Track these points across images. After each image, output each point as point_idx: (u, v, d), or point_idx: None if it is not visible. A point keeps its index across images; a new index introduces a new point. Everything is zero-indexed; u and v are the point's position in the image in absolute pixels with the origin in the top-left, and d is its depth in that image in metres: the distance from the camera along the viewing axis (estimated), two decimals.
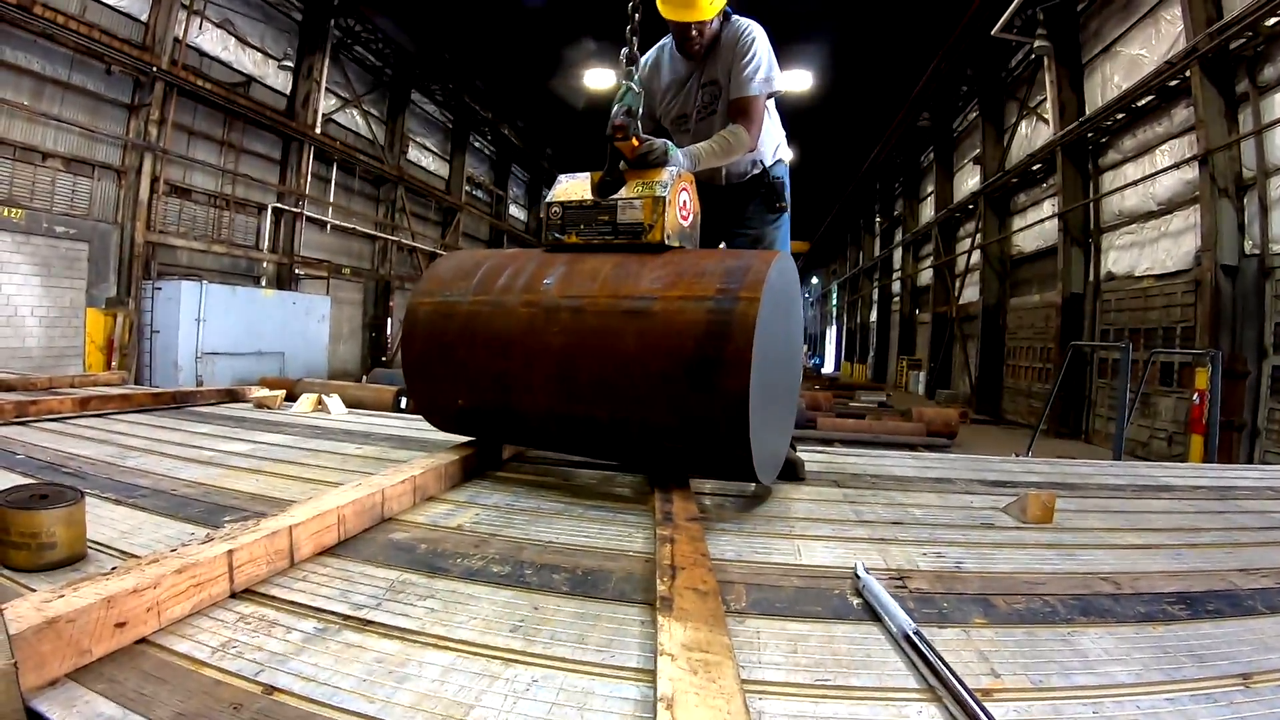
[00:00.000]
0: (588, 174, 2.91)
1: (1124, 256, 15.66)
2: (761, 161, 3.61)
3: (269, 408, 5.14)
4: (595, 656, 1.44)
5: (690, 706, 1.11)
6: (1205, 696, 1.40)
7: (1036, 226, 19.62)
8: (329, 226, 20.87)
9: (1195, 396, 12.37)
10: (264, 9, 18.05)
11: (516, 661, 1.42)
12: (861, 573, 1.82)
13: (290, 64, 19.02)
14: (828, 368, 51.07)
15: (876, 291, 37.68)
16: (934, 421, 14.05)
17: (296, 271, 19.11)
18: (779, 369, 2.66)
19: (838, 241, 48.77)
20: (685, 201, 2.81)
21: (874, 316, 38.42)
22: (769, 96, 3.43)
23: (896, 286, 33.62)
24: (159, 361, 14.53)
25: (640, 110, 2.93)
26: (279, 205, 18.61)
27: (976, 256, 23.12)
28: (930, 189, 28.27)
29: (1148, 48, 14.65)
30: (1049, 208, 18.49)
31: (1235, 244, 12.21)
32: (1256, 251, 11.88)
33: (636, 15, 3.12)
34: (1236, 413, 12.12)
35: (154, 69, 14.24)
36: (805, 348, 64.79)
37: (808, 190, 40.16)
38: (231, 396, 5.50)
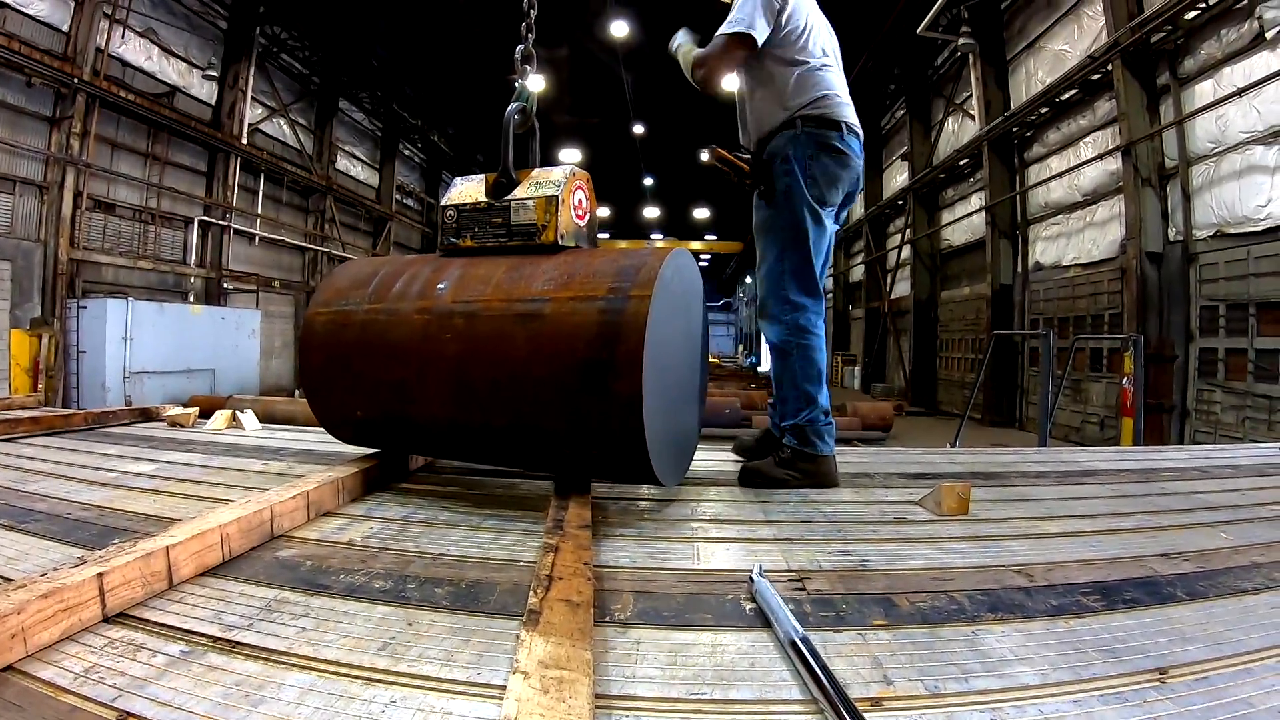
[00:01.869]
0: (483, 176, 2.85)
1: (1051, 247, 16.01)
2: (765, 127, 3.23)
3: (182, 426, 4.97)
4: (461, 674, 1.38)
5: None
6: (1115, 696, 1.35)
7: (965, 220, 20.02)
8: (257, 239, 20.50)
9: (1124, 381, 12.66)
10: (188, 18, 17.62)
11: (379, 681, 1.36)
12: (756, 576, 1.76)
13: (215, 73, 18.60)
14: (764, 366, 51.30)
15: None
16: (868, 415, 14.20)
17: (225, 286, 18.69)
18: (681, 369, 2.62)
19: None
20: (580, 200, 2.76)
21: None
22: (739, 41, 3.04)
23: (829, 284, 34.00)
24: (86, 383, 14.09)
25: (534, 108, 2.91)
26: (206, 218, 18.17)
27: (907, 251, 23.54)
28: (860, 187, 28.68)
29: (1070, 43, 14.98)
30: (977, 202, 18.86)
31: (1159, 232, 12.52)
32: (1180, 238, 12.18)
33: (533, 12, 3.09)
34: (1166, 395, 12.40)
35: (76, 80, 13.82)
36: (741, 347, 64.92)
37: (741, 189, 40.37)
38: (146, 416, 5.33)
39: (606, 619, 1.62)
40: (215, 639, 1.52)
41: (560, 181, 2.66)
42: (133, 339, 14.33)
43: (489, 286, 2.52)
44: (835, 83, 3.20)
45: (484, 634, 1.55)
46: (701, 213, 51.27)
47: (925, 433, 14.74)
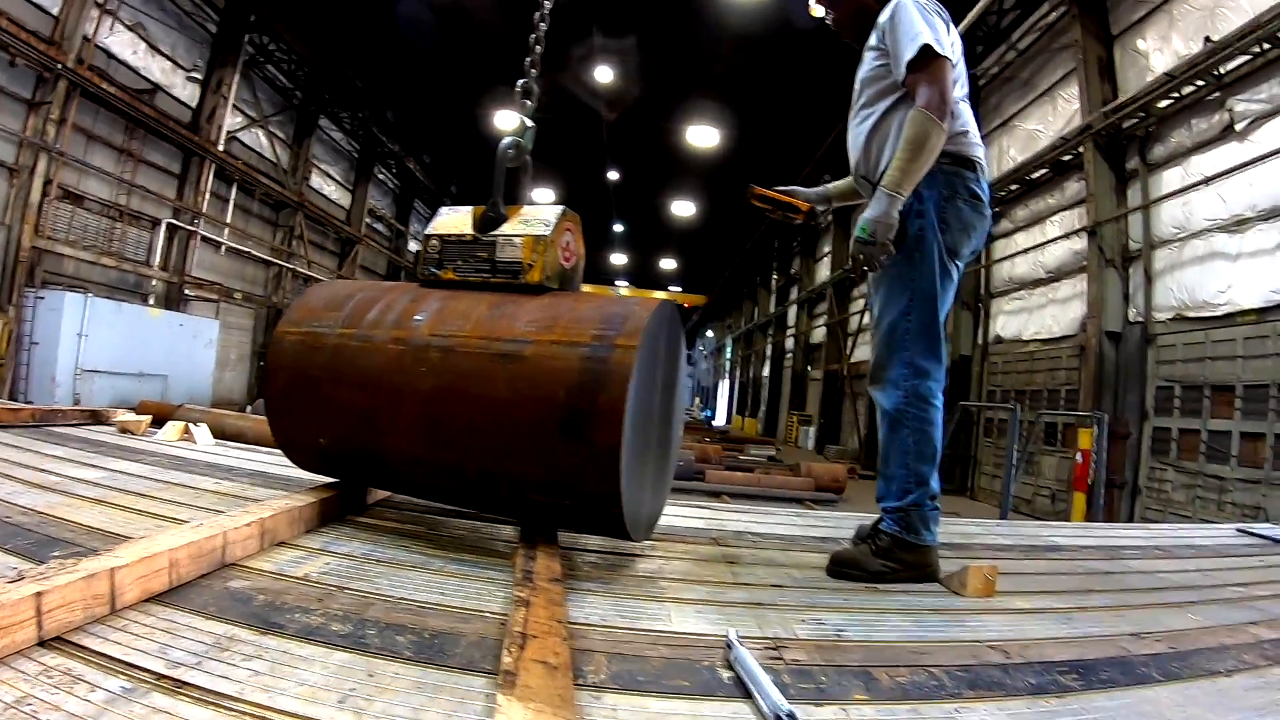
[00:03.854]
0: (471, 208, 2.81)
1: (1012, 321, 16.29)
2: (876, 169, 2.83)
3: (133, 433, 4.84)
4: None
5: None
6: None
7: None
8: (224, 248, 20.18)
9: (1078, 455, 12.84)
10: (178, 16, 17.48)
11: None
12: (734, 642, 1.71)
13: (199, 76, 18.40)
14: (719, 420, 51.36)
15: (770, 347, 38.40)
16: (822, 477, 14.29)
17: (186, 292, 18.35)
18: (658, 423, 2.59)
19: (734, 296, 49.53)
20: (569, 242, 2.73)
21: (766, 371, 39.12)
22: (947, 63, 2.63)
23: (790, 343, 34.46)
24: (36, 375, 13.72)
25: (530, 144, 2.89)
26: (174, 221, 17.84)
27: (869, 317, 23.71)
28: (827, 249, 29.26)
29: (1044, 124, 15.36)
30: None
31: (1120, 312, 12.79)
32: (1140, 319, 12.44)
33: (539, 48, 3.07)
34: (1118, 471, 12.61)
35: (59, 66, 13.56)
36: (697, 400, 65.04)
37: (708, 243, 40.75)
38: (96, 418, 5.20)
39: (580, 681, 1.55)
40: (160, 676, 1.41)
41: (551, 222, 2.63)
42: (87, 336, 14.02)
43: (469, 322, 2.46)
44: (971, 120, 2.85)
45: (452, 691, 1.46)
46: (669, 263, 51.47)
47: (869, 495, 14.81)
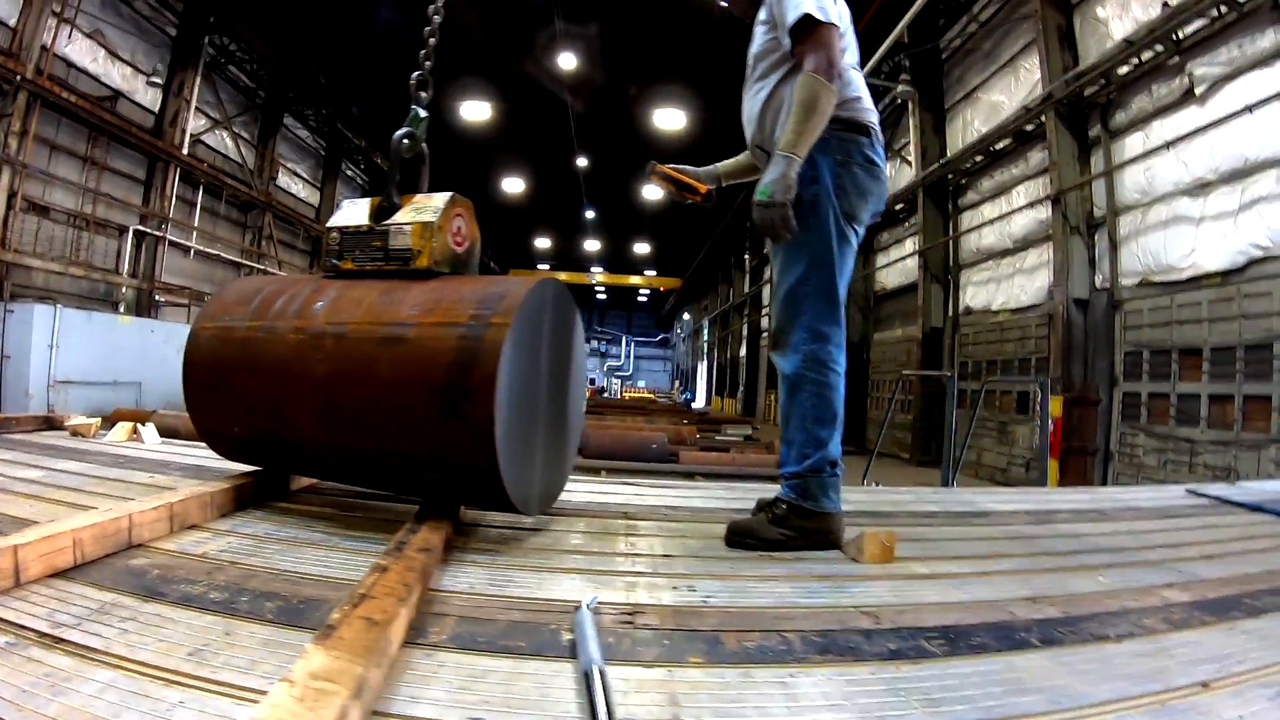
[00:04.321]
0: (369, 200, 2.87)
1: (981, 292, 16.39)
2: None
3: (83, 436, 4.88)
4: (255, 682, 1.39)
5: None
6: None
7: (899, 264, 20.47)
8: (193, 252, 20.11)
9: (1050, 423, 12.96)
10: (137, 21, 17.35)
11: (176, 683, 1.39)
12: (584, 607, 1.76)
13: (160, 80, 18.28)
14: (699, 403, 51.19)
15: (746, 327, 38.44)
16: None
17: (157, 298, 18.29)
18: (547, 399, 2.65)
19: (709, 278, 49.40)
20: (460, 228, 2.79)
21: (744, 352, 39.14)
22: (835, 31, 2.64)
23: (765, 322, 34.40)
24: (9, 389, 13.63)
25: (424, 135, 2.92)
26: (141, 228, 17.77)
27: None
28: None
29: (1007, 94, 15.42)
30: (911, 245, 19.27)
31: (1086, 279, 12.88)
32: (1106, 286, 12.54)
33: (433, 40, 3.11)
34: (1090, 438, 12.74)
35: (19, 77, 13.46)
36: (677, 383, 64.74)
37: (680, 226, 40.72)
38: (50, 424, 5.25)
39: (420, 641, 1.63)
40: (42, 634, 1.56)
41: (439, 208, 2.69)
42: (59, 347, 13.94)
43: (361, 309, 2.54)
44: (863, 87, 2.89)
45: (293, 647, 1.55)
46: (642, 248, 51.42)
47: (854, 471, 14.88)
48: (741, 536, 2.69)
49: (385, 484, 2.79)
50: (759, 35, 2.91)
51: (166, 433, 5.17)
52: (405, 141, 2.93)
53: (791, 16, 2.60)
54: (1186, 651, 1.77)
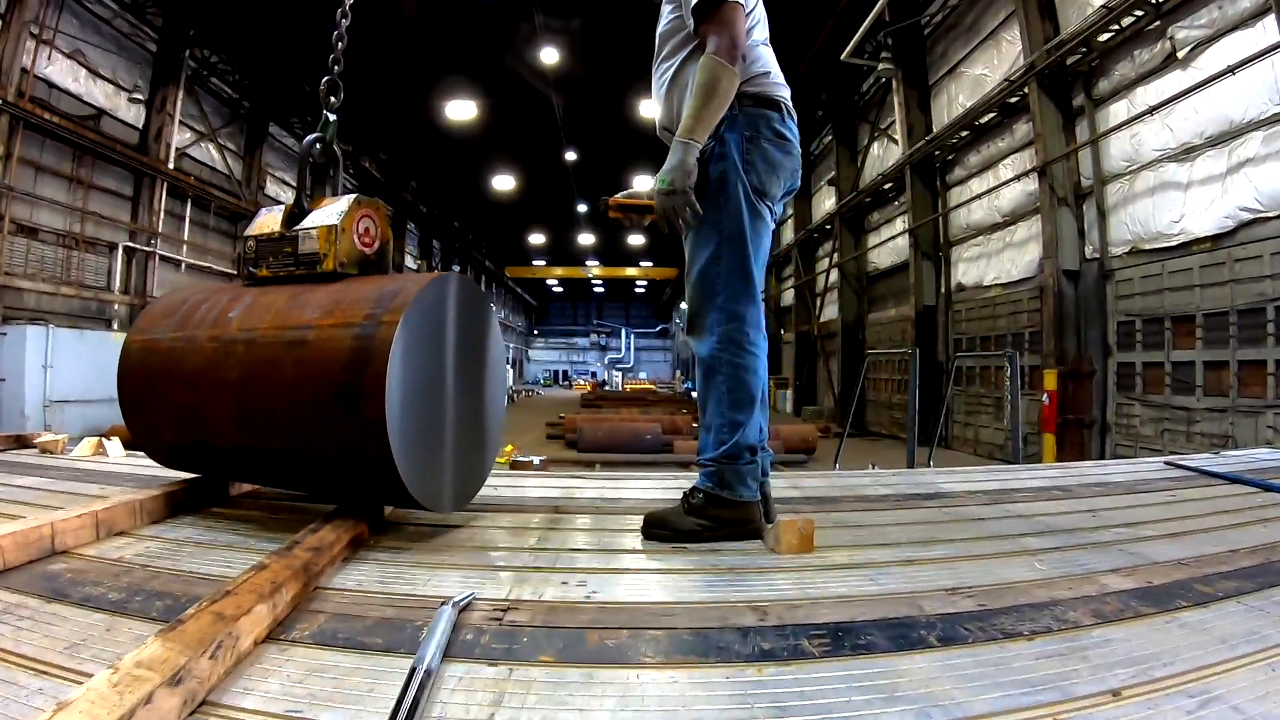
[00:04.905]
0: (282, 207, 2.88)
1: (972, 268, 16.37)
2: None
3: (51, 452, 4.92)
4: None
5: (75, 713, 1.14)
6: None
7: (890, 243, 20.48)
8: (184, 265, 20.20)
9: (1045, 397, 12.93)
10: (116, 39, 17.44)
11: (44, 673, 1.46)
12: (448, 604, 1.75)
13: (142, 96, 18.38)
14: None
15: None
16: (791, 438, 14.37)
17: None
18: (455, 395, 2.65)
19: None
20: (367, 229, 2.79)
21: None
22: (739, 10, 2.61)
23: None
24: (6, 411, 13.77)
25: (333, 138, 2.93)
26: (131, 244, 17.92)
27: (835, 275, 23.85)
28: (790, 211, 29.29)
29: (990, 67, 15.39)
30: (901, 224, 19.30)
31: (1076, 249, 12.87)
32: (1096, 256, 12.52)
33: (340, 44, 3.10)
34: (1085, 410, 12.71)
35: (1, 102, 13.62)
36: (678, 373, 64.55)
37: (654, 228, 40.56)
38: (20, 443, 5.28)
39: (282, 636, 1.65)
40: None
41: (343, 210, 2.70)
42: (53, 367, 14.09)
43: (270, 314, 2.56)
44: (773, 62, 2.82)
45: None
46: (636, 239, 51.42)
47: (852, 454, 14.92)
48: (656, 528, 2.61)
49: (297, 484, 2.82)
50: (665, 14, 2.87)
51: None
52: (317, 147, 2.94)
53: None
54: (1105, 651, 1.61)
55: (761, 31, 2.81)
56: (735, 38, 2.53)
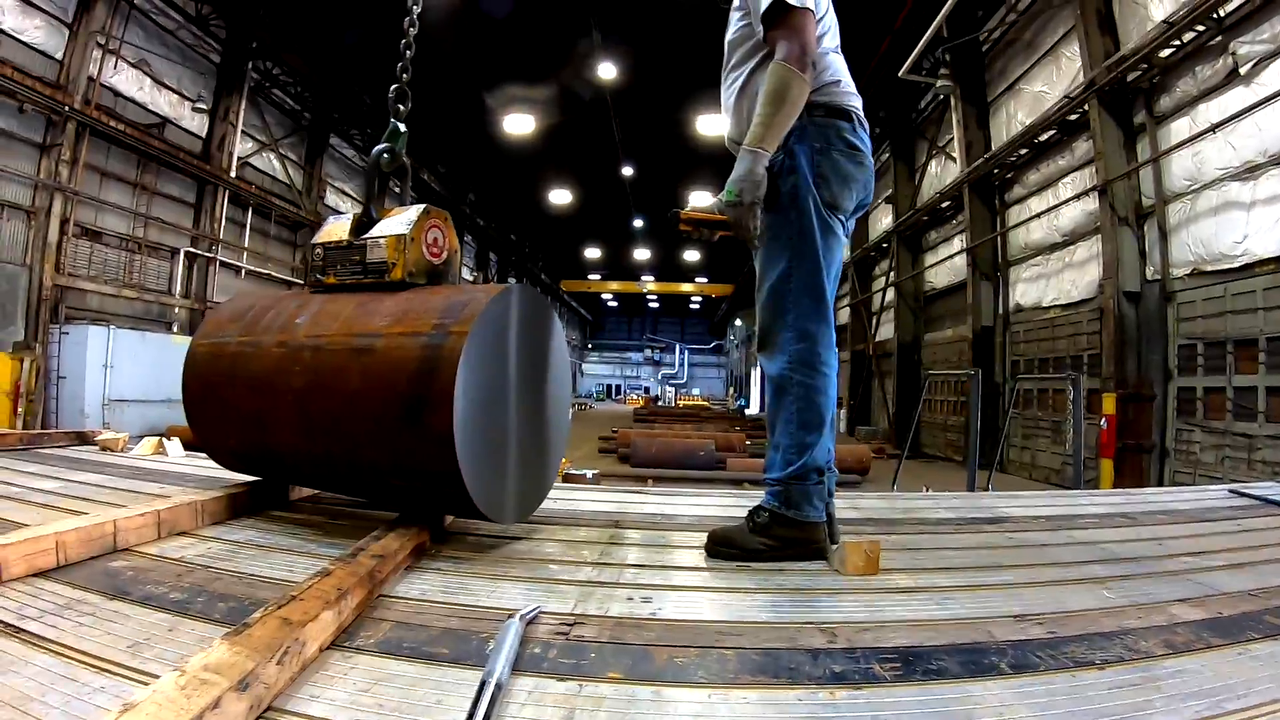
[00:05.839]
0: (351, 214, 2.91)
1: (1031, 288, 16.08)
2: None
3: (111, 450, 5.02)
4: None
5: (141, 714, 1.13)
6: None
7: (947, 262, 20.16)
8: (244, 272, 20.62)
9: (1103, 422, 12.63)
10: (181, 50, 17.90)
11: (107, 671, 1.46)
12: (516, 617, 1.73)
13: (206, 106, 18.82)
14: (753, 409, 50.64)
15: None
16: (845, 458, 14.16)
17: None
18: (518, 406, 2.63)
19: None
20: (435, 239, 2.81)
21: None
22: (810, 14, 2.53)
23: None
24: (66, 408, 14.20)
25: (403, 149, 2.94)
26: (192, 250, 18.35)
27: (891, 294, 23.60)
28: None
29: (1049, 84, 15.13)
30: (959, 243, 18.98)
31: (1137, 271, 12.57)
32: (1158, 277, 12.23)
33: (409, 53, 3.13)
34: (1145, 435, 12.37)
35: (67, 108, 14.04)
36: (731, 389, 64.22)
37: (729, 243, 40.53)
38: (81, 440, 5.41)
39: (347, 644, 1.65)
40: (6, 625, 1.68)
41: (412, 220, 2.73)
42: (113, 367, 14.47)
43: (337, 321, 2.59)
44: (844, 70, 2.74)
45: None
46: (692, 255, 51.37)
47: (906, 476, 14.74)
48: (721, 545, 2.58)
49: (360, 491, 2.83)
50: (733, 21, 2.81)
51: (196, 447, 5.29)
52: (385, 156, 2.97)
53: (764, 2, 2.50)
54: (1178, 683, 1.57)
55: (832, 39, 2.73)
56: (806, 44, 2.46)
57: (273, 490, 3.07)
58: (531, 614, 1.80)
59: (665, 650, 1.68)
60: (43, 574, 2.03)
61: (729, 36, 2.85)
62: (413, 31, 3.15)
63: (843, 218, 2.69)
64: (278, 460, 2.81)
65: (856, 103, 2.72)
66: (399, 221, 2.75)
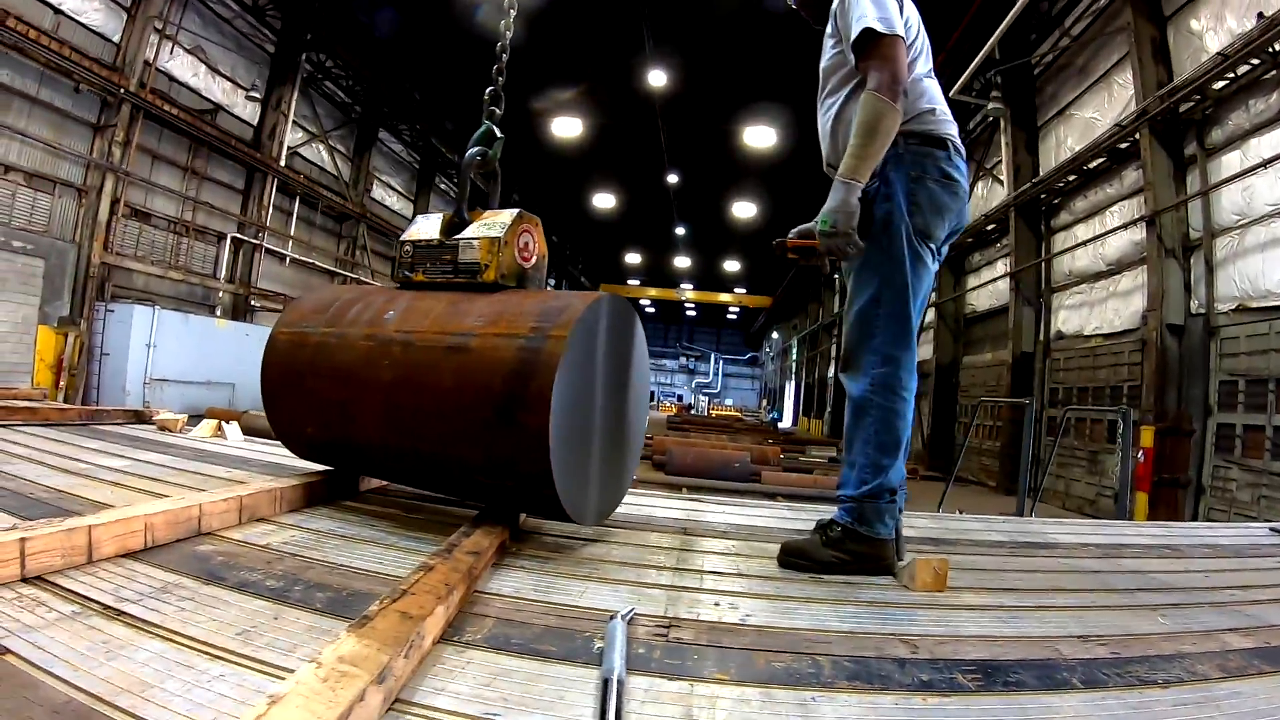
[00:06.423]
0: (442, 214, 2.97)
1: (1073, 316, 15.90)
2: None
3: (170, 430, 5.11)
4: (293, 664, 1.47)
5: (291, 707, 1.15)
6: None
7: (990, 285, 19.93)
8: (288, 259, 20.87)
9: (1140, 454, 12.50)
10: (236, 38, 18.15)
11: (220, 658, 1.49)
12: (619, 617, 1.78)
13: (258, 95, 19.07)
14: (786, 422, 50.26)
15: (834, 347, 37.60)
16: None
17: (253, 303, 19.06)
18: (603, 412, 2.68)
19: (800, 297, 48.63)
20: (527, 243, 2.86)
21: (832, 372, 38.37)
22: (900, 42, 2.53)
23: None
24: (107, 384, 14.40)
25: (498, 154, 2.98)
26: (239, 235, 18.59)
27: (932, 314, 23.40)
28: None
29: (1101, 110, 14.98)
30: (1002, 267, 18.77)
31: (1181, 303, 12.40)
32: (1202, 311, 12.07)
33: (505, 55, 3.17)
34: (1182, 470, 12.21)
35: (122, 90, 14.23)
36: (764, 402, 63.96)
37: (770, 244, 40.31)
38: (139, 418, 5.50)
39: (455, 638, 1.69)
40: (106, 607, 1.70)
41: (506, 223, 2.78)
42: (156, 346, 14.67)
43: (428, 319, 2.63)
44: (939, 96, 2.75)
45: (335, 635, 1.57)
46: (732, 265, 51.18)
47: (937, 497, 14.68)
48: (794, 557, 2.63)
49: (444, 488, 2.88)
50: (827, 49, 2.82)
51: (253, 432, 5.38)
52: (478, 159, 3.01)
53: (854, 30, 2.51)
54: (1236, 703, 1.65)
55: (925, 64, 2.74)
56: (896, 73, 2.48)
57: (345, 480, 3.13)
58: (629, 615, 1.84)
59: (763, 655, 1.74)
60: (132, 555, 2.07)
61: (823, 64, 2.87)
62: (509, 35, 3.19)
63: (934, 246, 2.71)
64: (357, 451, 2.86)
65: (952, 130, 2.72)
66: (493, 224, 2.80)
